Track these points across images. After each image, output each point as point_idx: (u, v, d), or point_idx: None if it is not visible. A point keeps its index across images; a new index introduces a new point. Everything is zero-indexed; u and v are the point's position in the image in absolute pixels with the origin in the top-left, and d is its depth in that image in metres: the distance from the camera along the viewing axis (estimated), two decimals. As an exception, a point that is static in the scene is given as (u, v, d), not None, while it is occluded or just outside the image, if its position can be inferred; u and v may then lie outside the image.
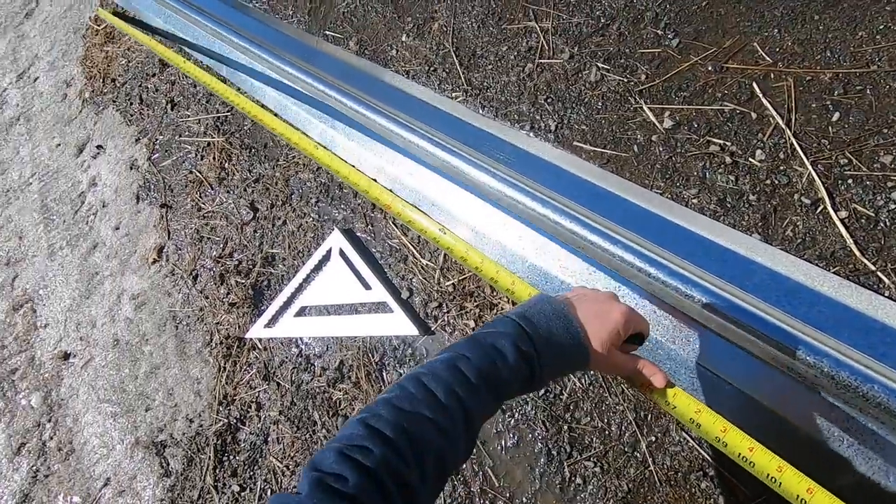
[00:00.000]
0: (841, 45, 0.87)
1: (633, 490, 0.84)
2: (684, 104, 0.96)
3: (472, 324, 1.04)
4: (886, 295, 0.74)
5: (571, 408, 0.92)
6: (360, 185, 1.05)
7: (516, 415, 0.95)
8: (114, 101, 1.89)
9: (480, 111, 1.15)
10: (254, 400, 1.22)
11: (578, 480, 0.88)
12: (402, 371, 1.10)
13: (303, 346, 1.22)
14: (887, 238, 0.77)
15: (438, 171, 1.14)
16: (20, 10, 2.53)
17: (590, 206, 0.93)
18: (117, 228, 1.65)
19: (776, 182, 0.85)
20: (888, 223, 0.78)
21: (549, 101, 1.08)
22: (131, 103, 1.83)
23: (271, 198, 1.39)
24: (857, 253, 0.78)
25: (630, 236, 0.87)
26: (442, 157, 1.08)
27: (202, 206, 1.50)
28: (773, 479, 0.55)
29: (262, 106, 1.44)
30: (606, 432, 0.88)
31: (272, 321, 1.25)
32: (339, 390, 1.13)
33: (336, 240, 1.23)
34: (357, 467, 0.43)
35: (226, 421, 1.23)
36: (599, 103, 1.03)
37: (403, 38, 1.32)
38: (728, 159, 0.89)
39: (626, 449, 0.86)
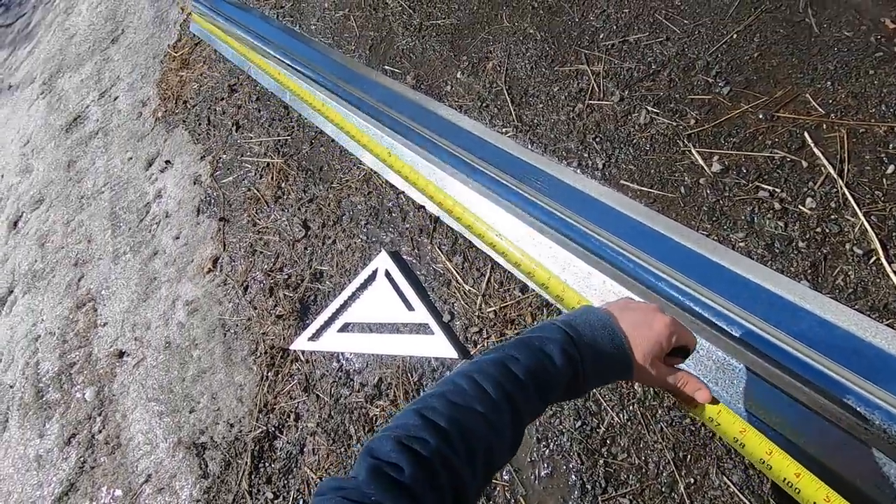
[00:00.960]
0: (896, 100, 0.88)
1: (670, 533, 0.83)
2: (733, 150, 0.98)
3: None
4: (944, 351, 0.72)
5: (608, 442, 0.92)
6: (419, 184, 1.11)
7: (551, 445, 0.96)
8: (184, 121, 2.05)
9: (530, 146, 1.20)
10: (293, 410, 1.27)
11: (613, 517, 0.87)
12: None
13: (344, 362, 1.26)
14: (945, 293, 0.76)
15: (485, 199, 1.19)
16: (108, 35, 2.79)
17: (635, 244, 0.95)
18: (177, 238, 1.77)
19: (827, 230, 0.86)
20: (946, 278, 0.77)
21: (597, 140, 1.12)
22: (200, 124, 1.98)
23: (323, 217, 1.46)
24: (913, 306, 0.77)
25: (675, 275, 0.89)
26: (487, 186, 1.13)
27: (257, 221, 1.59)
28: None
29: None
30: (644, 470, 0.87)
31: (316, 335, 1.31)
32: (377, 407, 1.16)
33: (382, 261, 1.29)
34: (414, 457, 0.44)
35: (264, 428, 1.28)
36: (648, 145, 1.07)
37: (458, 76, 1.40)
38: (777, 205, 0.90)
39: (663, 489, 0.85)
